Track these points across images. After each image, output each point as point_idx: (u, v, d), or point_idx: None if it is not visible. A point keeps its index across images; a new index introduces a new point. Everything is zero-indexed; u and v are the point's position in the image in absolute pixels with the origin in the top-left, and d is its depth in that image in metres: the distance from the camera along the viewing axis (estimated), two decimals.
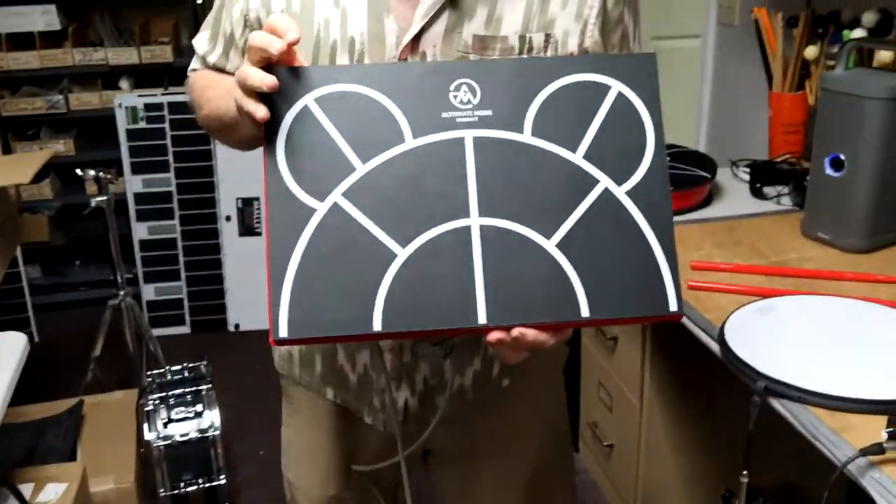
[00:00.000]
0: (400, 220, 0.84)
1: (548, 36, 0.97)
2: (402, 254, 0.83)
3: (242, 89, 0.83)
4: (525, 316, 0.82)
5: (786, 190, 1.83)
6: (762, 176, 1.87)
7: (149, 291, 3.16)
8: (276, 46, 0.80)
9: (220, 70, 1.12)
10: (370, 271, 0.83)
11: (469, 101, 0.86)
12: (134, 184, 3.05)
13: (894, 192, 1.53)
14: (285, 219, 0.84)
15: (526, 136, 0.86)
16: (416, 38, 0.96)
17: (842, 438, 1.03)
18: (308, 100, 0.85)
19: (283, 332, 0.82)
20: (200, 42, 1.14)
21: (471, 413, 1.13)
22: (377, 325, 0.81)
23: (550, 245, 0.84)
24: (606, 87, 0.87)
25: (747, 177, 1.92)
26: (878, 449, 0.98)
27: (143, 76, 3.26)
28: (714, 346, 1.28)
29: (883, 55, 1.62)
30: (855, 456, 0.98)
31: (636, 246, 0.84)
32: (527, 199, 0.84)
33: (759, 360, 1.16)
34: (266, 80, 0.81)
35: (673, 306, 0.83)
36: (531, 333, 0.80)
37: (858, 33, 1.69)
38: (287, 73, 0.85)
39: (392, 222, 0.84)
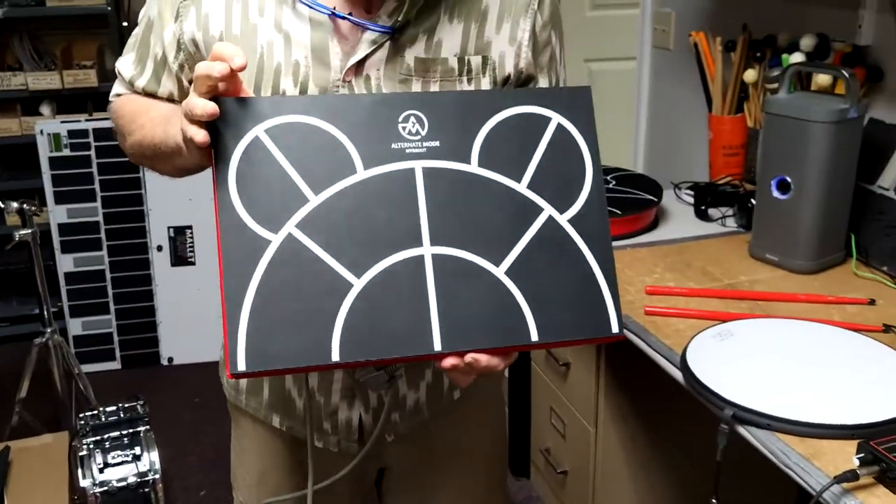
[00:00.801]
0: (354, 251, 0.84)
1: (485, 58, 1.02)
2: (358, 284, 0.84)
3: (188, 119, 0.83)
4: (478, 342, 0.84)
5: (730, 212, 1.85)
6: (706, 198, 1.88)
7: (76, 326, 3.02)
8: (217, 69, 0.79)
9: (150, 95, 1.09)
10: (326, 302, 0.83)
11: (418, 133, 0.88)
12: (58, 214, 2.92)
13: (840, 214, 1.56)
14: (239, 251, 0.83)
15: (473, 167, 0.88)
16: (360, 62, 0.98)
17: (813, 465, 1.03)
18: (258, 131, 0.85)
19: (242, 366, 0.81)
20: (125, 65, 1.10)
21: (426, 429, 1.15)
22: (335, 356, 0.82)
23: (500, 272, 0.86)
24: (547, 119, 0.91)
25: (690, 199, 1.94)
26: (851, 475, 0.97)
27: (66, 101, 3.13)
28: (676, 373, 1.27)
29: (821, 78, 1.66)
30: (829, 484, 0.98)
31: (579, 272, 0.88)
32: (476, 228, 0.87)
33: (725, 387, 1.16)
34: (207, 108, 0.80)
35: (615, 328, 0.88)
36: (484, 358, 0.83)
37: (797, 57, 1.73)
38: (236, 104, 0.85)
39: (346, 253, 0.84)
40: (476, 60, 1.01)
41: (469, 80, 1.01)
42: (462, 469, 1.21)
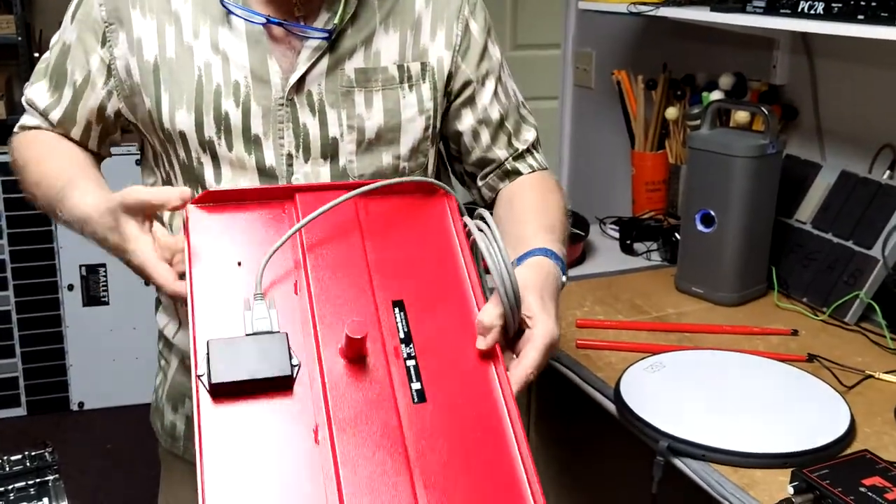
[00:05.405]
0: None
1: (423, 64, 1.04)
2: None
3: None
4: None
5: (655, 246, 1.87)
6: (631, 233, 1.91)
7: None
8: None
9: (65, 131, 1.02)
10: None
11: None
12: None
13: (762, 246, 1.60)
14: None
15: None
16: (301, 78, 0.97)
17: (749, 495, 1.03)
18: None
19: None
20: (39, 94, 1.03)
21: None
22: None
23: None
24: None
25: (615, 234, 1.96)
26: None
27: None
28: (610, 406, 1.26)
29: (740, 116, 1.71)
30: None
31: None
32: None
33: (659, 419, 1.15)
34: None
35: None
36: None
37: (717, 95, 1.78)
38: None
39: None
40: (415, 67, 1.03)
41: (410, 87, 1.02)
42: None
